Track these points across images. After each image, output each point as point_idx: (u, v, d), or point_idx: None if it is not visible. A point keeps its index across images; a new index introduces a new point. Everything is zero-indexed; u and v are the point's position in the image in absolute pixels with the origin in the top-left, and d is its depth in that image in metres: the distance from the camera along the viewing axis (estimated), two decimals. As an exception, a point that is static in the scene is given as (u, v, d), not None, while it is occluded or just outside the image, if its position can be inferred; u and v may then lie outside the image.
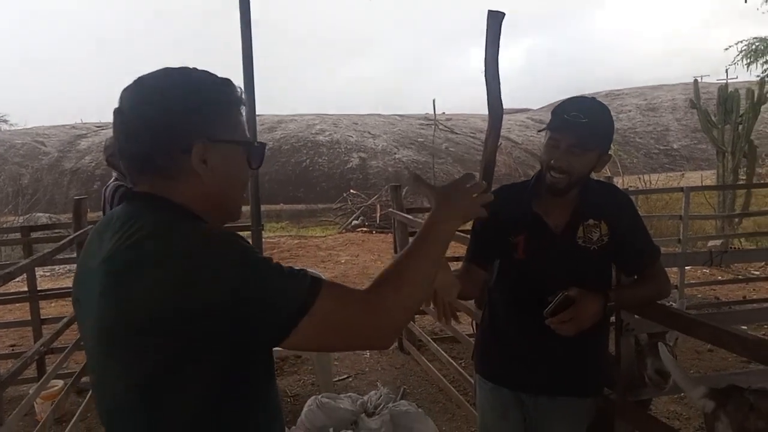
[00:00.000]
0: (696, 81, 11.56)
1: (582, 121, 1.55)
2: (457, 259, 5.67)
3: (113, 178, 3.94)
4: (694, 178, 15.44)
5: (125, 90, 0.94)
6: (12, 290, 4.99)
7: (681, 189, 6.53)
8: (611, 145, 1.73)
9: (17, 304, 5.46)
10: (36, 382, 3.64)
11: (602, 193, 1.74)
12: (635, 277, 1.79)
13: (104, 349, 0.90)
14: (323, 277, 0.92)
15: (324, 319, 0.86)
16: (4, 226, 9.80)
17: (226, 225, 1.09)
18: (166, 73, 0.94)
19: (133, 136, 0.92)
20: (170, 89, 0.92)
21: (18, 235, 5.20)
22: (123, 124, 0.93)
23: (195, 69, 0.97)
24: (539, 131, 1.70)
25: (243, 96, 1.00)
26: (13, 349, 5.09)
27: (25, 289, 4.42)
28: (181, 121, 0.91)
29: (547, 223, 1.71)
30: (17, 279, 3.31)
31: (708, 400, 1.34)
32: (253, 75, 4.30)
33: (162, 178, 0.93)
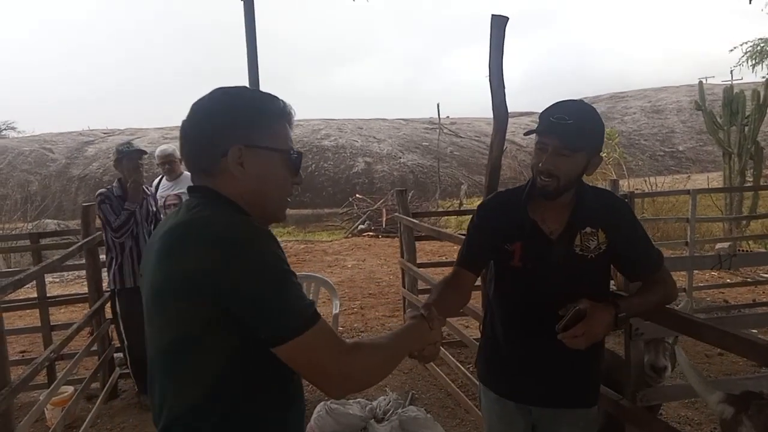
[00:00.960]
0: (701, 82, 11.53)
1: (568, 123, 1.55)
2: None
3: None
4: (700, 180, 15.39)
5: (192, 105, 1.13)
6: (22, 296, 5.03)
7: (687, 191, 6.51)
8: (613, 146, 1.71)
9: (27, 311, 5.49)
10: (46, 388, 3.66)
11: (599, 200, 1.71)
12: (641, 282, 1.78)
13: (152, 307, 1.06)
14: (321, 317, 1.04)
15: (305, 350, 1.00)
16: (14, 232, 9.86)
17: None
18: (219, 91, 1.13)
19: (187, 141, 1.12)
20: (216, 102, 1.11)
21: (27, 242, 5.24)
22: (183, 132, 1.12)
23: (247, 88, 1.18)
24: (525, 134, 1.69)
25: (290, 110, 1.15)
26: (23, 356, 5.12)
27: (35, 295, 4.46)
28: (220, 128, 1.08)
29: (543, 230, 1.68)
30: (27, 285, 3.33)
31: (727, 406, 1.33)
32: (258, 82, 4.33)
33: (207, 176, 1.10)
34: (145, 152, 3.98)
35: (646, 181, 13.54)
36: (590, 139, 1.61)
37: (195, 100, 1.14)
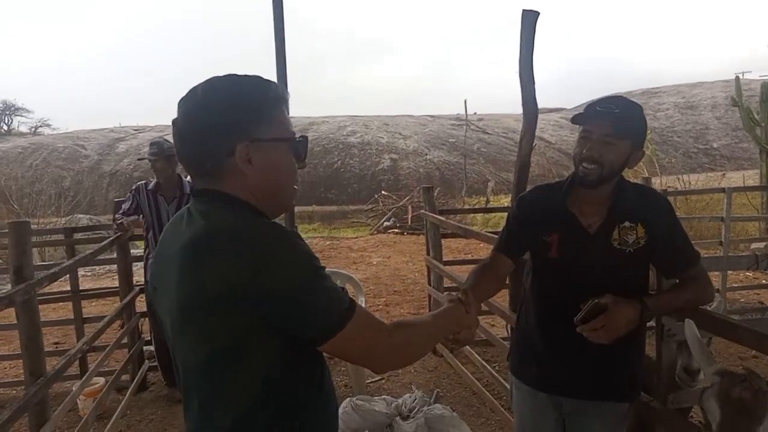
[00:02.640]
0: (738, 78, 11.22)
1: (614, 111, 1.57)
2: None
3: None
4: (735, 178, 14.96)
5: (180, 101, 1.04)
6: (55, 290, 5.16)
7: (722, 190, 6.34)
8: (645, 143, 1.70)
9: (60, 303, 5.63)
10: (79, 379, 3.75)
11: (639, 196, 1.71)
12: (676, 280, 1.75)
13: (181, 325, 1.02)
14: (356, 302, 1.04)
15: (352, 338, 1.01)
16: (48, 227, 10.13)
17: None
18: (211, 83, 1.04)
19: (185, 143, 1.04)
20: (213, 98, 1.02)
21: (61, 236, 5.37)
22: (177, 134, 1.04)
23: (238, 75, 1.06)
24: (572, 120, 1.69)
25: (285, 94, 1.08)
26: (56, 347, 5.26)
27: (68, 288, 4.56)
28: (222, 126, 1.01)
29: (581, 223, 1.69)
30: (60, 279, 3.42)
31: (716, 376, 1.30)
32: (286, 78, 4.35)
33: (213, 178, 1.04)
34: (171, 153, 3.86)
35: (679, 179, 13.23)
36: (635, 130, 1.63)
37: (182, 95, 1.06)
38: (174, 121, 1.05)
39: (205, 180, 1.05)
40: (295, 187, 1.15)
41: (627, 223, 1.66)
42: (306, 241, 1.03)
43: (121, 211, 3.98)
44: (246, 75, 1.06)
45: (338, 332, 0.98)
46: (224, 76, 1.06)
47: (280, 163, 1.07)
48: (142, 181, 4.11)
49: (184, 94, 1.06)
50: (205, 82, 1.05)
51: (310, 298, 0.96)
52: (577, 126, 1.68)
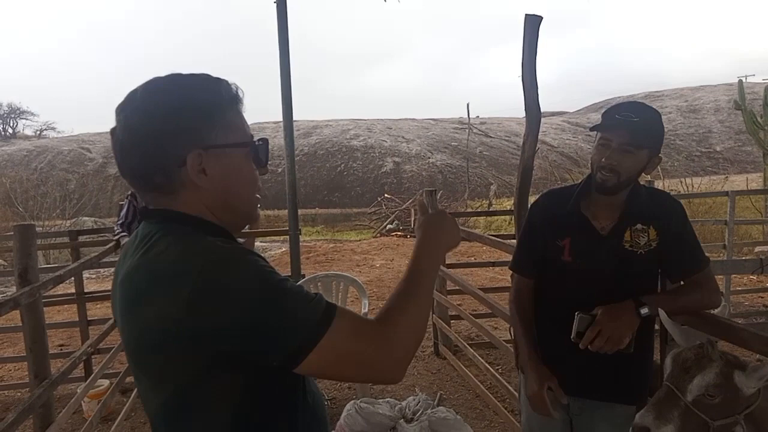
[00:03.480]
0: (741, 81, 11.18)
1: (634, 120, 1.57)
2: (492, 264, 5.64)
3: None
4: (738, 181, 14.93)
5: (117, 108, 0.91)
6: (60, 292, 5.18)
7: (726, 193, 6.32)
8: (661, 148, 1.71)
9: (65, 305, 5.65)
10: (83, 381, 3.77)
11: (652, 198, 1.72)
12: (681, 283, 1.75)
13: (134, 366, 0.92)
14: (336, 306, 0.88)
15: (334, 352, 0.84)
16: (53, 229, 10.16)
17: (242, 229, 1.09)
18: (151, 85, 0.91)
19: (127, 155, 0.90)
20: (155, 101, 0.89)
21: (66, 239, 5.40)
22: (117, 145, 0.90)
23: (182, 74, 0.93)
24: (591, 129, 1.70)
25: (238, 91, 0.95)
26: (61, 349, 5.28)
27: (73, 290, 4.58)
28: (169, 136, 0.87)
29: (593, 225, 1.70)
30: (65, 281, 3.43)
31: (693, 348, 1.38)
32: (290, 82, 4.38)
33: (164, 194, 0.91)
34: None
35: (681, 182, 13.21)
36: (654, 137, 1.63)
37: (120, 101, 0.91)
38: (112, 131, 0.91)
39: (155, 196, 0.92)
40: (258, 195, 1.00)
41: (639, 225, 1.67)
42: (262, 256, 0.91)
43: (120, 221, 3.96)
44: (192, 74, 0.93)
45: (314, 347, 0.82)
46: (167, 75, 0.92)
47: (239, 171, 0.94)
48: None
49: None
50: (145, 83, 0.91)
51: (267, 318, 0.81)
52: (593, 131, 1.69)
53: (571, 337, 1.58)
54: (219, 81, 0.93)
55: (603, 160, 1.61)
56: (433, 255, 1.04)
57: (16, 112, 33.62)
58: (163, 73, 0.94)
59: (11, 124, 33.43)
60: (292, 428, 0.94)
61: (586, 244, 1.70)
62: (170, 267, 0.83)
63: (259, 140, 0.97)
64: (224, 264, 0.82)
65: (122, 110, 0.89)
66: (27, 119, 34.22)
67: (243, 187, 0.95)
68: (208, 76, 0.93)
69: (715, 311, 2.24)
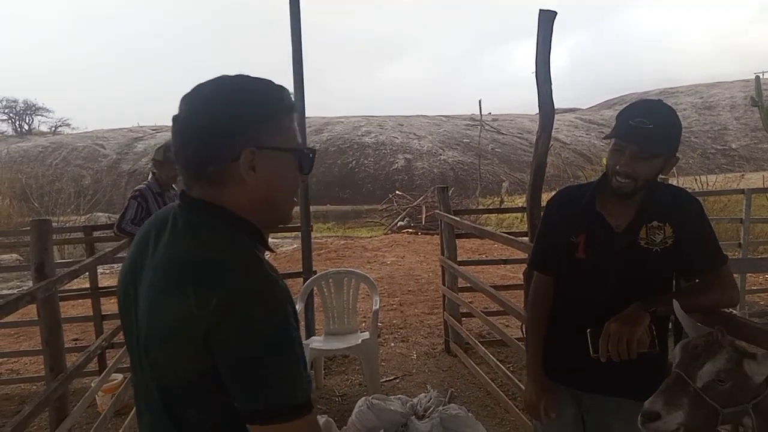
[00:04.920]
0: (758, 77, 11.06)
1: (647, 127, 1.54)
2: (504, 261, 5.62)
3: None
4: (755, 179, 14.75)
5: (183, 98, 0.97)
6: (75, 287, 5.24)
7: (741, 191, 6.25)
8: (678, 147, 1.70)
9: (80, 300, 5.71)
10: (97, 375, 3.80)
11: (669, 195, 1.71)
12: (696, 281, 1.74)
13: (148, 344, 0.94)
14: (313, 409, 0.88)
15: None
16: (67, 225, 10.27)
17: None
18: (220, 81, 0.97)
19: (186, 143, 0.95)
20: (220, 98, 0.95)
21: (80, 234, 5.45)
22: (178, 132, 0.96)
23: (249, 77, 0.98)
24: (605, 138, 1.70)
25: (294, 101, 1.02)
26: (75, 343, 5.34)
27: (87, 285, 4.63)
28: (229, 130, 0.93)
29: (608, 222, 1.69)
30: (80, 276, 3.47)
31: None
32: (302, 78, 4.38)
33: (212, 184, 0.95)
34: None
35: (696, 180, 13.08)
36: (669, 142, 1.61)
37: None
38: (175, 118, 0.97)
39: (203, 185, 0.96)
40: (295, 199, 1.06)
41: (655, 223, 1.66)
42: (293, 302, 0.92)
43: (129, 218, 3.91)
44: (259, 78, 0.99)
45: (273, 421, 0.83)
46: (235, 75, 0.98)
47: (284, 174, 0.99)
48: (142, 185, 4.08)
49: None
50: (213, 79, 0.97)
51: (261, 363, 0.83)
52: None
53: (591, 355, 1.57)
54: (282, 89, 1.00)
55: (618, 167, 1.61)
56: None
57: (32, 109, 34.01)
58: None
59: (27, 121, 33.82)
60: None
61: (600, 240, 1.69)
62: (212, 268, 0.87)
63: (307, 149, 1.03)
64: (259, 290, 0.86)
65: (189, 100, 0.95)
66: (43, 116, 34.60)
67: (285, 189, 1.01)
68: (271, 82, 0.99)
69: (735, 311, 2.22)
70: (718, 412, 1.26)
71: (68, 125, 34.27)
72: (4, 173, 18.73)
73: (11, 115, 33.39)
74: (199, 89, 0.96)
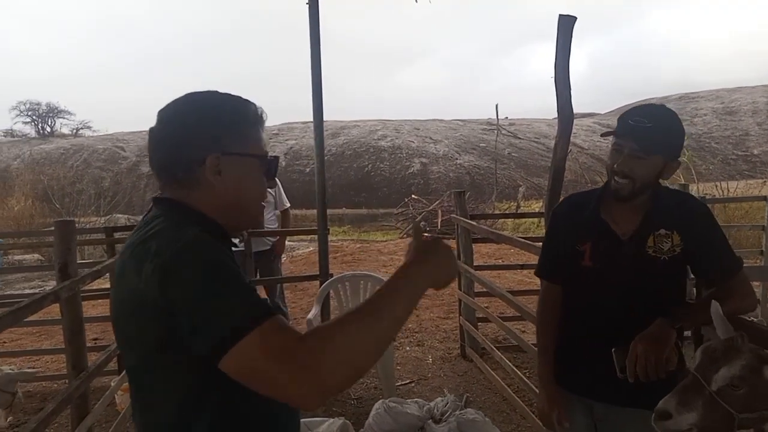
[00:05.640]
0: (781, 83, 10.87)
1: (646, 126, 1.55)
2: (521, 266, 5.59)
3: None
4: (777, 185, 14.49)
5: (158, 111, 1.07)
6: (95, 287, 5.32)
7: (763, 197, 6.16)
8: (681, 152, 1.68)
9: (99, 300, 5.80)
10: (117, 374, 3.86)
11: (675, 202, 1.69)
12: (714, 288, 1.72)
13: (115, 325, 1.04)
14: (275, 315, 0.88)
15: (243, 363, 0.84)
16: (87, 226, 10.43)
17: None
18: (189, 96, 1.08)
19: (158, 150, 1.06)
20: (188, 110, 1.05)
21: (100, 235, 5.54)
22: (152, 141, 1.07)
23: (218, 92, 1.09)
24: (603, 135, 1.69)
25: (263, 114, 1.10)
26: (95, 343, 5.41)
27: (107, 286, 4.69)
28: (195, 136, 1.03)
29: (614, 231, 1.68)
30: (102, 276, 3.52)
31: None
32: (321, 82, 4.41)
33: (181, 187, 1.05)
34: None
35: (717, 186, 12.90)
36: (667, 143, 1.60)
37: (181, 104, 1.07)
38: (150, 130, 1.07)
39: (174, 189, 1.05)
40: (263, 203, 1.15)
41: (662, 231, 1.64)
42: (232, 255, 0.99)
43: None
44: (228, 93, 1.09)
45: (233, 345, 0.83)
46: (205, 91, 1.09)
47: (249, 179, 1.08)
48: None
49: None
50: (185, 95, 1.08)
51: (204, 301, 0.87)
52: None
53: (618, 375, 1.55)
54: (248, 102, 1.09)
55: (615, 166, 1.61)
56: (412, 284, 0.96)
57: (54, 111, 34.57)
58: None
59: (49, 123, 34.41)
60: (254, 409, 0.99)
61: (606, 249, 1.68)
62: (154, 246, 0.94)
63: (272, 156, 1.11)
64: (190, 248, 0.92)
65: (162, 114, 1.06)
66: (64, 118, 35.16)
67: (251, 194, 1.10)
68: (239, 97, 1.09)
69: (755, 320, 2.19)
70: (733, 416, 1.26)
71: (89, 128, 34.80)
72: (26, 175, 19.07)
73: (34, 117, 33.99)
74: (172, 104, 1.06)
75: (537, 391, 3.36)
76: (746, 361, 1.28)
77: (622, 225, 1.68)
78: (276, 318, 0.87)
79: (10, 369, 3.56)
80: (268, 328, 0.85)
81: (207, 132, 1.03)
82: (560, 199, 3.22)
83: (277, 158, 1.13)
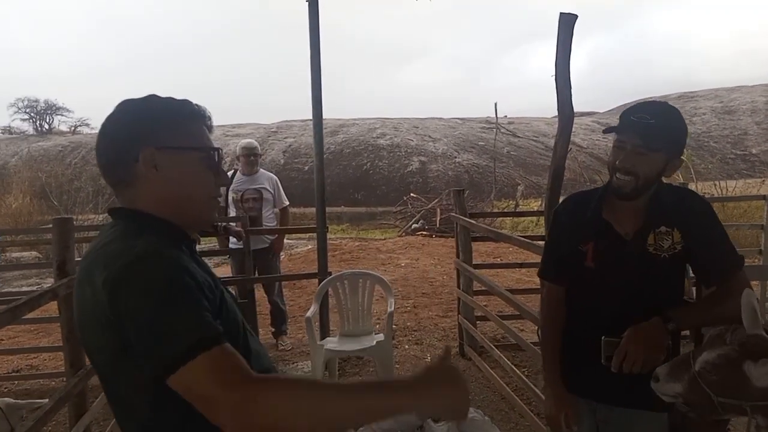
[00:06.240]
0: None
1: (649, 122, 1.54)
2: (520, 265, 5.58)
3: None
4: (775, 185, 14.51)
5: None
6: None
7: (762, 197, 6.16)
8: (683, 150, 1.67)
9: (97, 298, 5.80)
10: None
11: (676, 199, 1.68)
12: (713, 288, 1.71)
13: (79, 337, 1.05)
14: (222, 342, 0.88)
15: (188, 385, 0.85)
16: (85, 223, 10.41)
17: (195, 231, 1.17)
18: (127, 101, 1.10)
19: (99, 152, 1.08)
20: (124, 109, 1.08)
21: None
22: (96, 146, 1.09)
23: (154, 95, 1.10)
24: (604, 131, 1.69)
25: (205, 112, 1.12)
26: (93, 340, 5.40)
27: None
28: (128, 134, 1.05)
29: (616, 230, 1.67)
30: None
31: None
32: (320, 80, 4.40)
33: (124, 186, 1.06)
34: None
35: (715, 185, 12.90)
36: (670, 140, 1.60)
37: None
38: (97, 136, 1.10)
39: (121, 190, 1.07)
40: (219, 199, 1.13)
41: (663, 228, 1.64)
42: (189, 268, 0.95)
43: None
44: (165, 96, 1.10)
45: (179, 367, 0.84)
46: (146, 95, 1.10)
47: (190, 173, 1.07)
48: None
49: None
50: (125, 100, 1.10)
51: (154, 320, 0.86)
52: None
53: (602, 361, 1.58)
54: (184, 100, 1.11)
55: (617, 162, 1.60)
56: (396, 399, 0.90)
57: (52, 109, 34.45)
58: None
59: (47, 120, 34.29)
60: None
61: (608, 249, 1.68)
62: (103, 258, 0.95)
63: (213, 149, 1.10)
64: (136, 264, 0.91)
65: (104, 120, 1.08)
66: (62, 115, 35.02)
67: (194, 188, 1.08)
68: (173, 97, 1.11)
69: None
70: (711, 397, 1.35)
71: (87, 125, 34.66)
72: (24, 172, 19.00)
73: (32, 114, 33.87)
74: (113, 110, 1.08)
75: (536, 389, 3.37)
76: (724, 352, 1.35)
77: (625, 224, 1.67)
78: (224, 345, 0.87)
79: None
80: (217, 354, 0.86)
81: (140, 127, 1.04)
82: (560, 199, 3.22)
83: (219, 150, 1.11)
